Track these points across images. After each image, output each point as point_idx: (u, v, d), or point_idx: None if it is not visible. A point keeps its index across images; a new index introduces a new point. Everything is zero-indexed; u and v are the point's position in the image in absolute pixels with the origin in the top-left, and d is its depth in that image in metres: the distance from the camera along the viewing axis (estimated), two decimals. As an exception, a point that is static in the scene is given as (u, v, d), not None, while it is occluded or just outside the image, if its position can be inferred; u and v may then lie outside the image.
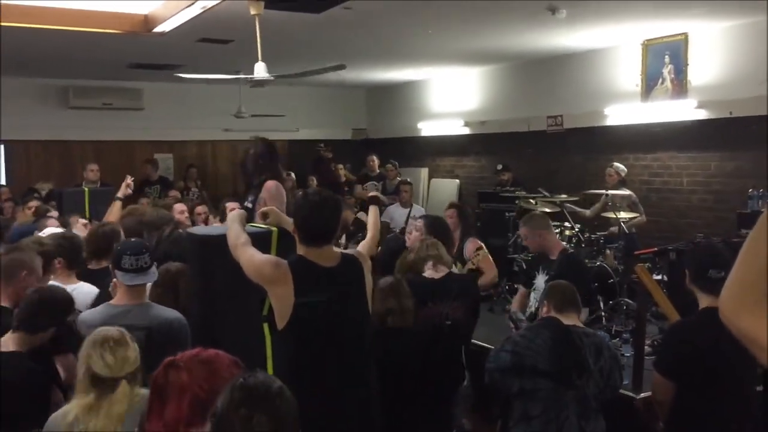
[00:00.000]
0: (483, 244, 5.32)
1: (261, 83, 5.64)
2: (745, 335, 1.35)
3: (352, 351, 2.99)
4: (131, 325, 2.79)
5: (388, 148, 11.35)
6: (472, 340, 5.06)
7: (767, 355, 1.32)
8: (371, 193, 4.22)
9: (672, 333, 3.31)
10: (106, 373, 2.39)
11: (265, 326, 3.06)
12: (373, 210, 3.94)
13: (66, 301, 3.13)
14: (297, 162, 11.09)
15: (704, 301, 3.08)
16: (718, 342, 2.73)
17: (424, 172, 11.65)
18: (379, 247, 5.38)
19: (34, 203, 6.56)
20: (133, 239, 3.62)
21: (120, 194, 5.57)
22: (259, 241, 3.07)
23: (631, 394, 4.32)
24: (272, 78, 5.50)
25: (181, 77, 6.59)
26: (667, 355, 3.18)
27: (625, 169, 7.54)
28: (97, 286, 3.80)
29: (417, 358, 3.59)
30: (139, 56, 8.44)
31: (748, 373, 2.72)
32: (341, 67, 5.79)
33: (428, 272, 4.10)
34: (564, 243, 6.25)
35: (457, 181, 11.02)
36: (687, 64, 7.36)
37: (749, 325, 1.34)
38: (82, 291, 3.74)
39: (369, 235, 3.73)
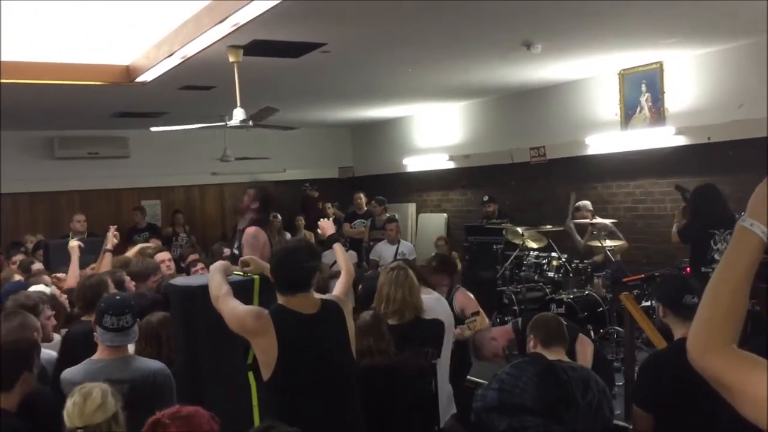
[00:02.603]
0: (473, 298, 5.16)
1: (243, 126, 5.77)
2: (711, 377, 1.34)
3: (339, 397, 2.98)
4: (113, 379, 2.78)
5: (374, 185, 11.39)
6: (468, 377, 5.05)
7: (733, 397, 1.31)
8: (328, 233, 4.04)
9: (647, 364, 3.30)
10: (66, 422, 2.39)
11: (250, 375, 3.04)
12: (337, 247, 3.83)
13: (25, 350, 3.01)
14: (284, 203, 11.12)
15: (679, 330, 3.08)
16: (693, 372, 2.73)
17: (412, 207, 11.70)
18: (360, 286, 5.35)
19: (18, 257, 6.49)
20: (117, 296, 3.54)
21: (109, 246, 5.45)
22: (241, 289, 3.07)
23: (624, 423, 4.31)
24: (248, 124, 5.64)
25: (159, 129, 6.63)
26: (643, 386, 3.17)
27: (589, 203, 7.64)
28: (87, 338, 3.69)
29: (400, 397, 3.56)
30: (123, 105, 8.49)
31: (725, 403, 2.72)
32: (274, 110, 5.89)
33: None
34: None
35: (445, 215, 11.07)
36: (663, 92, 7.46)
37: (716, 366, 1.33)
38: None
39: (342, 273, 3.61)
